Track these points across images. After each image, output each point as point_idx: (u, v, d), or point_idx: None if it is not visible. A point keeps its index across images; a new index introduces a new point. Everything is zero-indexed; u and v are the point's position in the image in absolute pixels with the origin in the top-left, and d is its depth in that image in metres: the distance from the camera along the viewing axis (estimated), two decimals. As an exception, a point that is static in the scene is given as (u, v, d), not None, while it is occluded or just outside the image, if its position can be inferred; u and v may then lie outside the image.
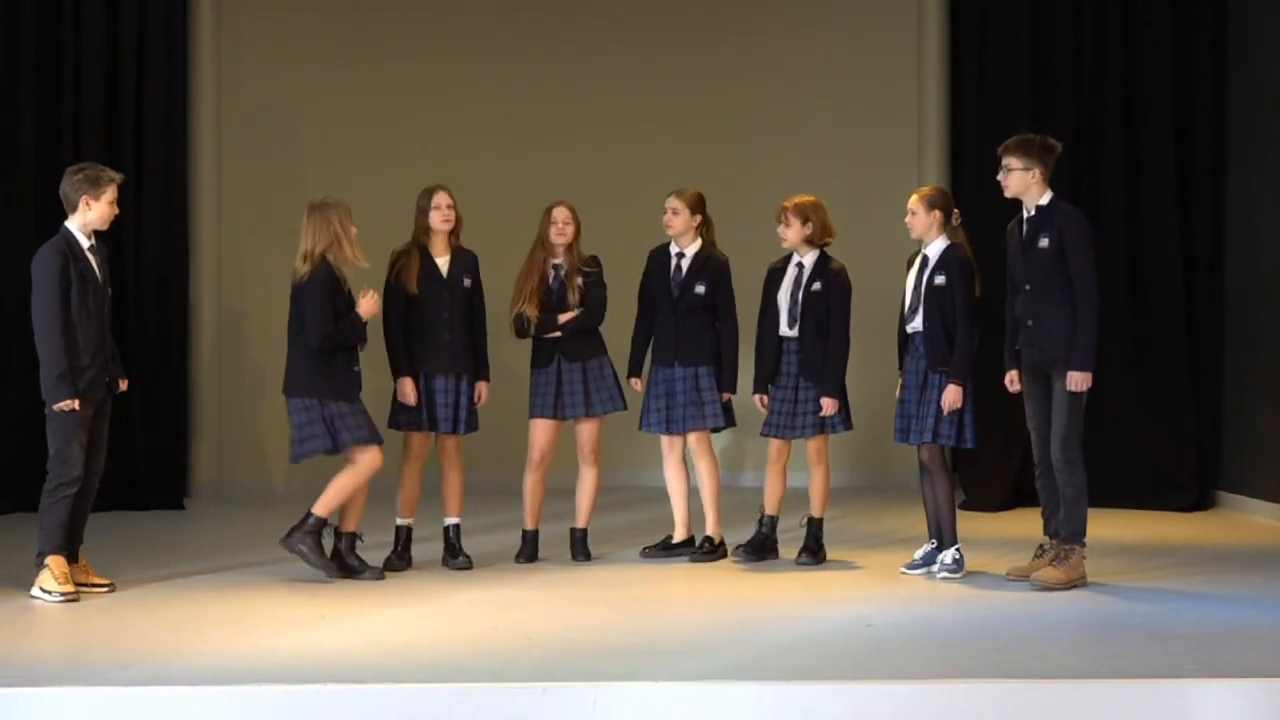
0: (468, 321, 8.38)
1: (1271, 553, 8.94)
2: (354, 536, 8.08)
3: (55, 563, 7.51)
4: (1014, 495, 10.61)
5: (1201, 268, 10.81)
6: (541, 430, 8.47)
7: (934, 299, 8.01)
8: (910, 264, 8.22)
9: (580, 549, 8.55)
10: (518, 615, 7.25)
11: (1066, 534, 7.78)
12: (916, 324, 8.07)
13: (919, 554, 8.17)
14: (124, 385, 7.91)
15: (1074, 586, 7.68)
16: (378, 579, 7.96)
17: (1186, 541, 9.38)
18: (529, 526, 8.54)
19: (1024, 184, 7.80)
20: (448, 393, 8.29)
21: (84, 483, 7.67)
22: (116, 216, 10.62)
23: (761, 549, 8.47)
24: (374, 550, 8.57)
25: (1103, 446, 10.76)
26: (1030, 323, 7.83)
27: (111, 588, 7.71)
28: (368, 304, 8.00)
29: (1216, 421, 10.79)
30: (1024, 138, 7.89)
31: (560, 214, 8.43)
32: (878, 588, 7.82)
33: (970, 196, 11.25)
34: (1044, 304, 7.78)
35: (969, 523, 10.07)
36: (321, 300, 7.90)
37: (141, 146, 10.83)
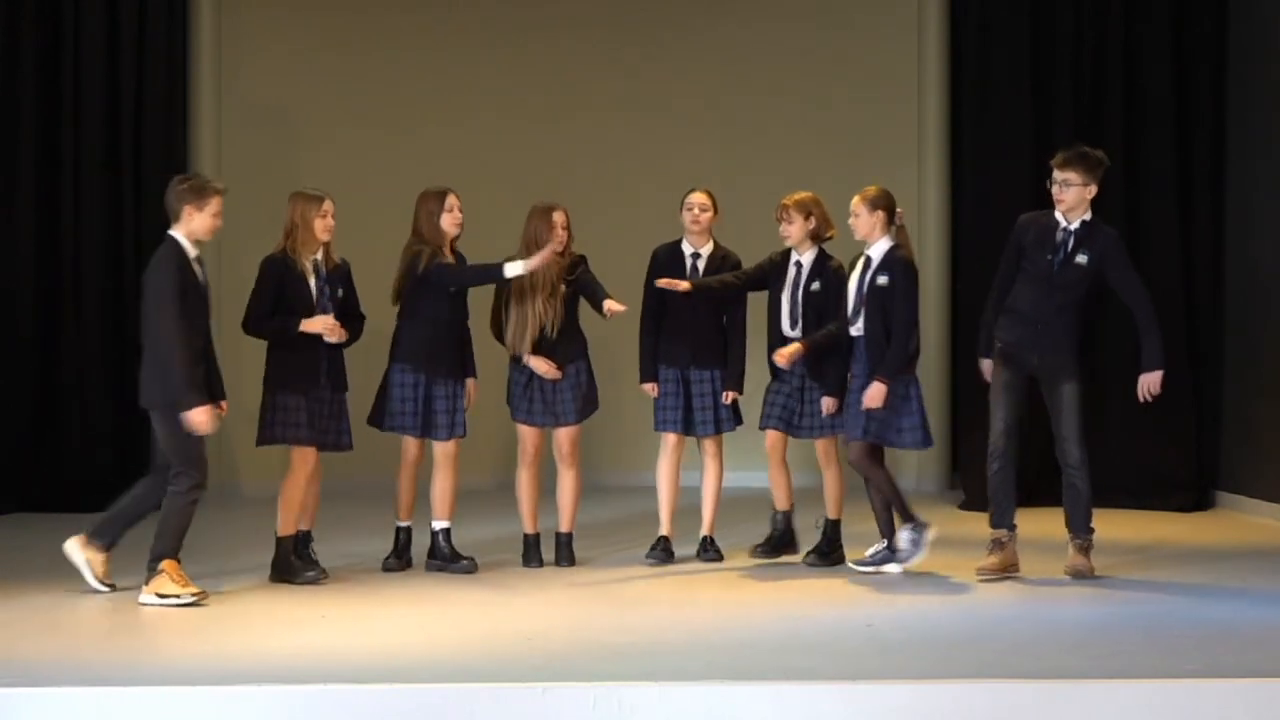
0: (464, 323, 8.35)
1: (1271, 553, 8.94)
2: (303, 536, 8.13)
3: (171, 567, 7.39)
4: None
5: (1201, 268, 10.81)
6: (528, 431, 8.42)
7: (876, 300, 7.95)
8: (853, 266, 8.17)
9: (565, 553, 8.49)
10: (518, 615, 7.25)
11: (1086, 528, 8.05)
12: (859, 327, 8.02)
13: (869, 552, 8.19)
14: (224, 408, 7.82)
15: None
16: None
17: (1186, 541, 9.38)
18: (530, 530, 8.48)
19: (1080, 199, 7.92)
20: (447, 398, 8.24)
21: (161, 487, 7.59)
22: (120, 221, 10.73)
23: (778, 547, 8.47)
24: (374, 554, 8.58)
25: (1103, 446, 10.75)
26: (1039, 326, 7.91)
27: (111, 588, 7.69)
28: (318, 323, 7.90)
29: (1216, 421, 10.79)
30: (1084, 152, 7.97)
31: (559, 219, 8.28)
32: (878, 588, 7.81)
33: (970, 196, 11.28)
34: (1060, 314, 7.92)
35: (969, 523, 10.08)
36: (260, 282, 8.02)
37: (141, 146, 10.83)
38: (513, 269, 8.01)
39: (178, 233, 7.60)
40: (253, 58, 11.54)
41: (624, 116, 11.76)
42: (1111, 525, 9.79)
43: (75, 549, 7.60)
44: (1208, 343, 10.79)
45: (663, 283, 8.26)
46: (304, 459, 8.00)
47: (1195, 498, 10.63)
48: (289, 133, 11.60)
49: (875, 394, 7.90)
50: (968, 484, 10.93)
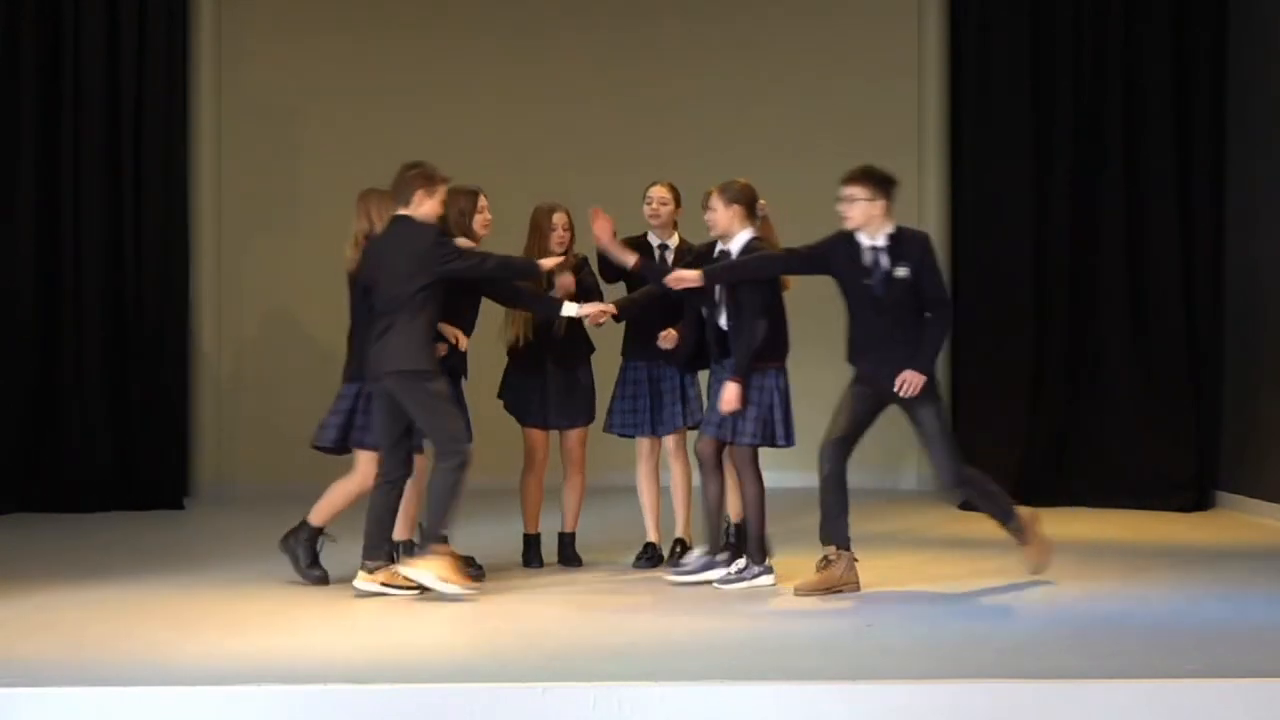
0: None
1: (1271, 553, 8.94)
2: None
3: (446, 552, 7.49)
4: (1014, 495, 10.58)
5: (1201, 268, 10.81)
6: (539, 436, 8.40)
7: (735, 294, 7.83)
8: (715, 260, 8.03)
9: (569, 553, 8.47)
10: (518, 615, 7.25)
11: (1010, 515, 7.91)
12: (723, 321, 7.92)
13: (691, 559, 8.04)
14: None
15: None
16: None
17: (1186, 541, 9.38)
18: (532, 530, 8.48)
19: (867, 214, 7.72)
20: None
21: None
22: (120, 221, 10.73)
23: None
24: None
25: (1103, 446, 10.79)
26: (883, 352, 7.69)
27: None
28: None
29: (1216, 421, 10.78)
30: (867, 168, 7.81)
31: (560, 220, 8.31)
32: (878, 588, 7.81)
33: (970, 196, 11.28)
34: (898, 330, 7.68)
35: (970, 523, 10.07)
36: None
37: (141, 146, 10.83)
38: (570, 309, 7.97)
39: (410, 214, 7.67)
40: (253, 57, 11.54)
41: (624, 112, 11.76)
42: (1111, 525, 9.81)
43: (367, 583, 7.56)
44: (1208, 343, 10.78)
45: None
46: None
47: (1195, 498, 10.62)
48: (289, 132, 11.60)
49: (730, 394, 7.73)
50: (967, 483, 10.92)
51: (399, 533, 7.88)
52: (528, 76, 11.77)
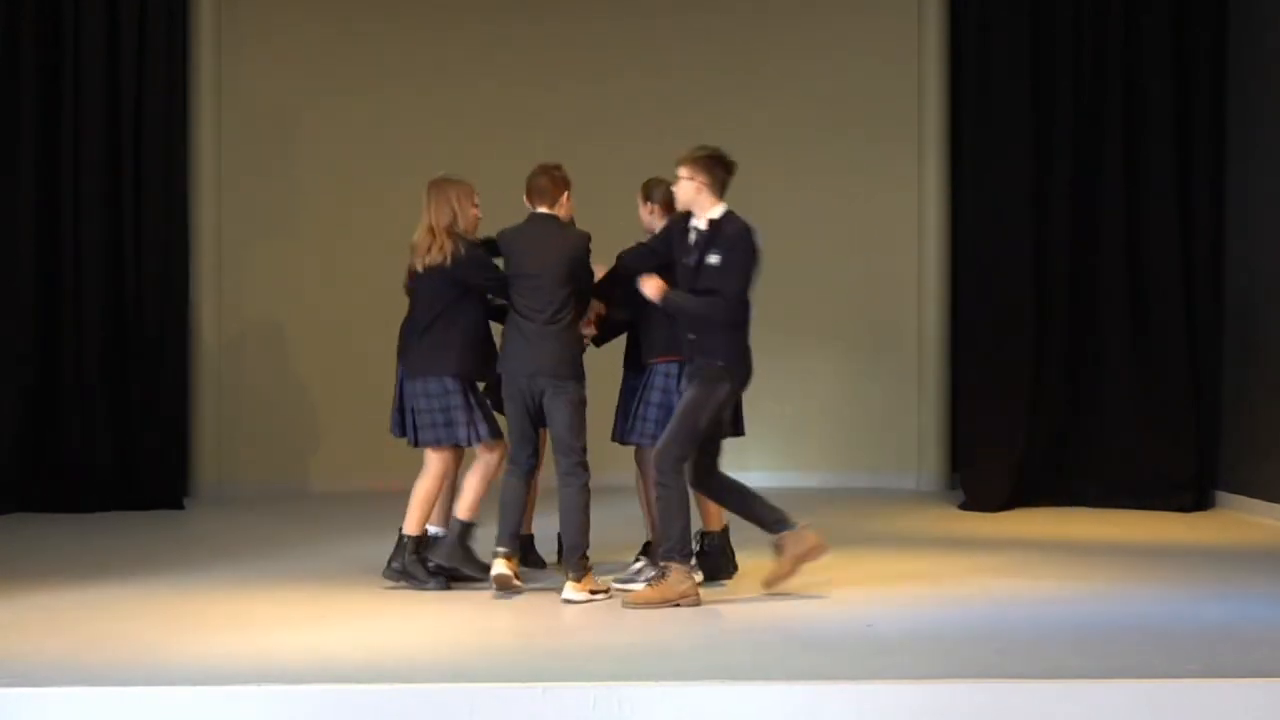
0: None
1: (1271, 553, 8.94)
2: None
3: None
4: (1014, 495, 10.62)
5: (1201, 268, 10.81)
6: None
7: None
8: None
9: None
10: (518, 616, 7.25)
11: (682, 544, 7.52)
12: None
13: (635, 567, 8.00)
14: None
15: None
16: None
17: (1186, 541, 9.38)
18: (525, 532, 8.47)
19: (690, 195, 7.63)
20: None
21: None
22: (120, 221, 10.74)
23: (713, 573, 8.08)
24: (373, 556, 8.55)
25: (1103, 446, 10.79)
26: (692, 337, 7.59)
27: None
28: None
29: (1216, 421, 10.78)
30: (695, 148, 7.71)
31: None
32: (878, 588, 7.81)
33: (970, 196, 11.28)
34: (708, 320, 7.57)
35: (970, 523, 10.09)
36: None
37: (141, 146, 10.83)
38: None
39: (555, 214, 7.77)
40: (253, 58, 11.54)
41: (622, 105, 11.75)
42: (1111, 525, 9.81)
43: (501, 568, 7.56)
44: (1208, 343, 10.78)
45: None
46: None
47: (1195, 498, 10.62)
48: (289, 132, 11.60)
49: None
50: (968, 484, 10.92)
51: (411, 527, 7.82)
52: (528, 74, 11.77)
